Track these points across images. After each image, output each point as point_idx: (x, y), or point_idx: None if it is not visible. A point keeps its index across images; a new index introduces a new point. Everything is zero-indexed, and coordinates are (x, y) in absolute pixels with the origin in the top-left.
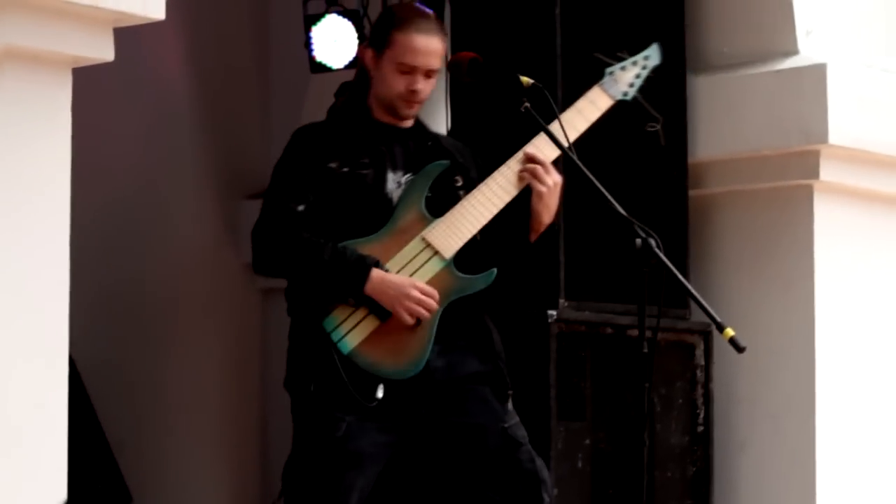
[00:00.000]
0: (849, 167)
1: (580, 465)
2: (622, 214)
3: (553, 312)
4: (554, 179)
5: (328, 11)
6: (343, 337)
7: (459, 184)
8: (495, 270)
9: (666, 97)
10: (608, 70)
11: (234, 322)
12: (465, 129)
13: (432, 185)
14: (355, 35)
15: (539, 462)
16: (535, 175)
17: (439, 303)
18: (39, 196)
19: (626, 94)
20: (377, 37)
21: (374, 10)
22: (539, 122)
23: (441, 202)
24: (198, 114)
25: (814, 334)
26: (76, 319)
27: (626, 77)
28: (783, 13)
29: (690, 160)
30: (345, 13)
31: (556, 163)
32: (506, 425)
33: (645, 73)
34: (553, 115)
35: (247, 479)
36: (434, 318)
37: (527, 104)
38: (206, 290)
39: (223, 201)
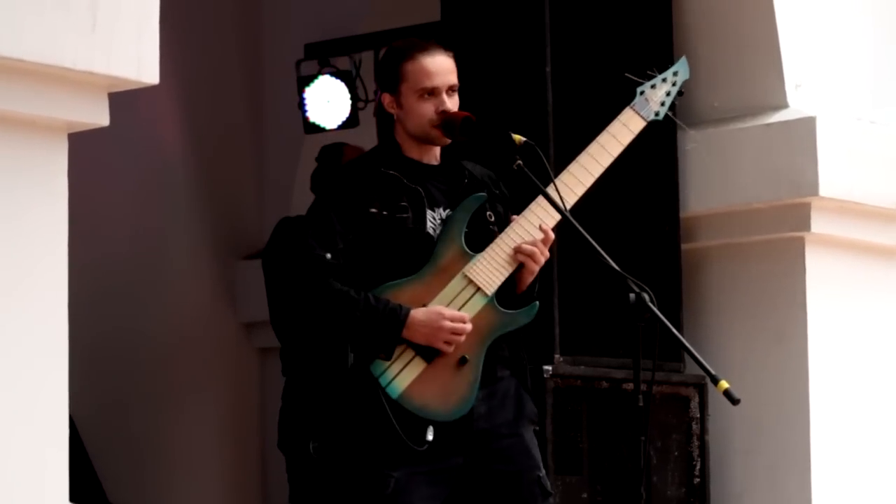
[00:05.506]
0: (840, 219)
1: None
2: (616, 270)
3: (549, 367)
4: (544, 258)
5: (321, 73)
6: (392, 381)
7: (492, 219)
8: (537, 304)
9: (657, 152)
10: (639, 89)
11: (232, 381)
12: None
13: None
14: (348, 95)
15: None
16: (532, 258)
17: (484, 339)
18: (37, 261)
19: (657, 113)
20: (388, 78)
21: (367, 71)
22: (533, 179)
23: (475, 236)
24: (193, 175)
25: (808, 385)
26: (74, 380)
27: (657, 96)
28: (772, 67)
29: (682, 214)
30: (337, 74)
31: None
32: (541, 474)
33: (675, 91)
34: (546, 173)
35: None
36: (479, 356)
37: (519, 162)
38: (204, 349)
39: (219, 262)
